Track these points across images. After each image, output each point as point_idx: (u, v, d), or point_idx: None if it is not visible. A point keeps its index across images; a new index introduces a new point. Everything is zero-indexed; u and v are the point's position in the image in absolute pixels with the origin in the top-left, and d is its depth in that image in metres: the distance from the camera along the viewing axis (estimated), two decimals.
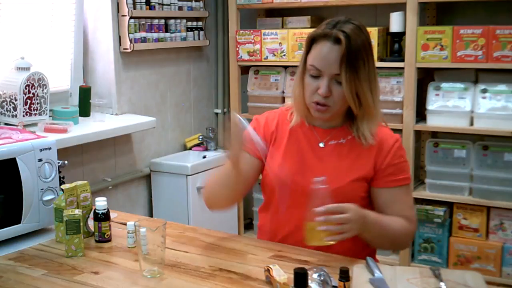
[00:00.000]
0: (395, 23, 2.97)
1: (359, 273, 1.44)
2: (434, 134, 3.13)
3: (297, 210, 1.67)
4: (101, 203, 1.75)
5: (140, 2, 3.00)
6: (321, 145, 1.72)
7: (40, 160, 1.83)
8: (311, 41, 1.66)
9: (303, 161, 1.71)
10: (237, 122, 1.57)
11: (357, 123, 1.70)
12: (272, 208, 1.77)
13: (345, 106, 1.66)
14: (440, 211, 3.01)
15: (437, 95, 2.91)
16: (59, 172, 1.92)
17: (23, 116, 2.44)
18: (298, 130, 1.75)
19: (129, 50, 2.97)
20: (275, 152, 1.75)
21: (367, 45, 1.65)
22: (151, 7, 3.08)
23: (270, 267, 1.44)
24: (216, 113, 3.73)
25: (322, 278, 1.34)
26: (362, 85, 1.62)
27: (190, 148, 3.46)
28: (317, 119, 1.71)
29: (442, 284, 1.37)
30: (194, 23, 3.41)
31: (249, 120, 1.72)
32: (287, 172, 1.70)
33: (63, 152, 2.29)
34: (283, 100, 3.27)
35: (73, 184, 1.76)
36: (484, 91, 2.84)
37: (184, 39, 3.33)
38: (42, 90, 2.50)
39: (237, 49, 3.35)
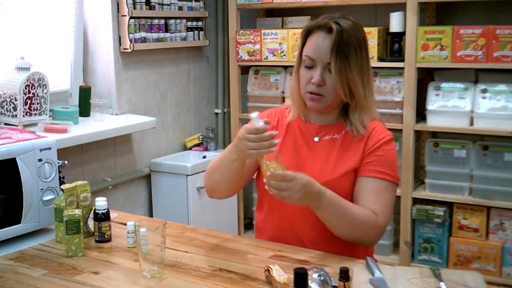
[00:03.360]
0: (395, 23, 2.97)
1: (359, 273, 1.44)
2: (434, 134, 3.13)
3: (292, 204, 1.67)
4: (101, 203, 1.75)
5: (140, 2, 3.00)
6: (315, 139, 1.74)
7: (40, 160, 1.83)
8: (307, 33, 1.70)
9: (298, 156, 1.73)
10: (255, 120, 1.54)
11: (350, 116, 1.71)
12: (266, 203, 1.78)
13: (339, 97, 1.67)
14: (440, 211, 3.01)
15: (437, 95, 2.91)
16: (59, 172, 1.92)
17: (23, 116, 2.44)
18: (295, 125, 1.78)
19: (129, 50, 2.97)
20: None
21: (361, 40, 1.68)
22: (151, 7, 3.08)
23: (270, 267, 1.44)
24: (216, 113, 3.73)
25: (322, 278, 1.34)
26: (353, 75, 1.64)
27: (190, 148, 3.46)
28: (312, 110, 1.73)
29: (442, 284, 1.37)
30: (194, 23, 3.41)
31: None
32: None
33: (63, 152, 2.29)
34: (283, 100, 3.27)
35: (73, 184, 1.76)
36: (484, 91, 2.84)
37: (184, 39, 3.33)
38: (42, 90, 2.50)
39: (237, 49, 3.35)
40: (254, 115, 1.54)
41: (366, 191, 1.66)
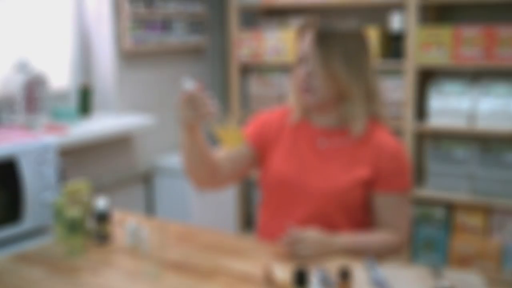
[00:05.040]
0: (395, 23, 2.97)
1: (359, 273, 1.44)
2: (435, 134, 3.13)
3: (296, 209, 1.68)
4: (101, 203, 1.75)
5: (140, 2, 3.01)
6: (320, 145, 1.73)
7: (40, 160, 1.83)
8: (299, 34, 1.73)
9: (302, 161, 1.72)
10: (184, 87, 1.55)
11: (346, 112, 1.70)
12: (271, 207, 1.78)
13: (331, 93, 1.66)
14: (440, 211, 3.01)
15: (437, 95, 2.91)
16: (59, 172, 1.92)
17: (23, 116, 2.44)
18: (299, 129, 1.77)
19: (129, 50, 2.97)
20: (275, 151, 1.76)
21: (353, 35, 1.69)
22: (151, 7, 3.08)
23: (270, 267, 1.44)
24: None
25: (322, 278, 1.34)
26: (337, 68, 1.63)
27: None
28: (308, 107, 1.72)
29: (442, 283, 1.37)
30: (194, 23, 3.41)
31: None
32: (286, 171, 1.71)
33: (63, 152, 2.28)
34: (283, 100, 3.27)
35: (73, 184, 1.76)
36: (484, 91, 2.84)
37: (184, 39, 3.33)
38: (42, 90, 2.50)
39: (237, 49, 3.35)
40: (186, 82, 1.55)
41: (388, 210, 1.68)
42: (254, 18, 3.55)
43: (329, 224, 1.65)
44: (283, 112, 1.84)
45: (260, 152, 1.79)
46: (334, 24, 1.68)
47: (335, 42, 1.65)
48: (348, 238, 1.63)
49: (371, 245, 1.65)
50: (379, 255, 1.64)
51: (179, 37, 3.29)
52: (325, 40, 1.65)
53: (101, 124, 2.76)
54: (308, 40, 1.68)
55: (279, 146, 1.77)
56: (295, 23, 3.31)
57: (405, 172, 1.70)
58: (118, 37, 2.96)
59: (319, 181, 1.68)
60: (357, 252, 1.60)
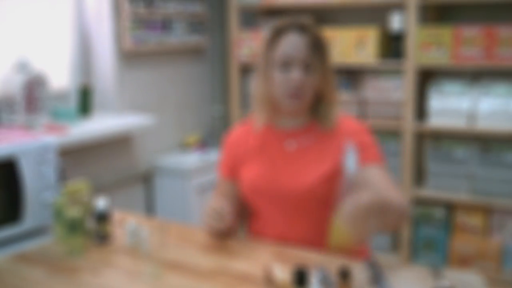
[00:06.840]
0: (395, 23, 2.97)
1: (359, 273, 1.44)
2: (435, 134, 3.13)
3: (276, 215, 1.69)
4: (101, 203, 1.75)
5: (140, 2, 3.01)
6: (289, 147, 1.71)
7: (40, 160, 1.83)
8: (277, 34, 1.66)
9: (272, 166, 1.70)
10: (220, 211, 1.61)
11: (324, 113, 1.70)
12: (254, 214, 1.78)
13: (313, 96, 1.68)
14: (440, 211, 3.01)
15: (437, 95, 2.91)
16: (59, 172, 1.92)
17: (23, 116, 2.44)
18: (265, 136, 1.75)
19: (129, 50, 2.96)
20: (246, 163, 1.75)
21: (326, 40, 1.72)
22: (151, 7, 3.08)
23: (270, 267, 1.44)
24: (216, 113, 3.73)
25: (322, 278, 1.34)
26: (330, 72, 1.68)
27: (190, 148, 3.47)
28: (288, 112, 1.69)
29: (442, 284, 1.37)
30: (194, 23, 3.41)
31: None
32: (258, 179, 1.71)
33: (63, 152, 2.29)
34: None
35: (73, 184, 1.76)
36: (484, 91, 2.84)
37: (184, 39, 3.33)
38: (42, 90, 2.50)
39: (237, 49, 3.35)
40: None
41: (376, 181, 1.59)
42: (254, 18, 3.55)
43: (314, 219, 1.65)
44: (246, 124, 1.82)
45: (238, 177, 1.78)
46: (313, 26, 1.67)
47: (326, 46, 1.68)
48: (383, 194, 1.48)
49: (396, 200, 1.52)
50: (402, 213, 1.52)
51: (179, 37, 3.29)
52: (319, 45, 1.65)
53: (101, 124, 2.76)
54: (293, 42, 1.63)
55: (248, 157, 1.75)
56: None
57: (372, 145, 1.67)
58: (118, 37, 2.96)
59: (293, 182, 1.66)
60: (384, 204, 1.43)
